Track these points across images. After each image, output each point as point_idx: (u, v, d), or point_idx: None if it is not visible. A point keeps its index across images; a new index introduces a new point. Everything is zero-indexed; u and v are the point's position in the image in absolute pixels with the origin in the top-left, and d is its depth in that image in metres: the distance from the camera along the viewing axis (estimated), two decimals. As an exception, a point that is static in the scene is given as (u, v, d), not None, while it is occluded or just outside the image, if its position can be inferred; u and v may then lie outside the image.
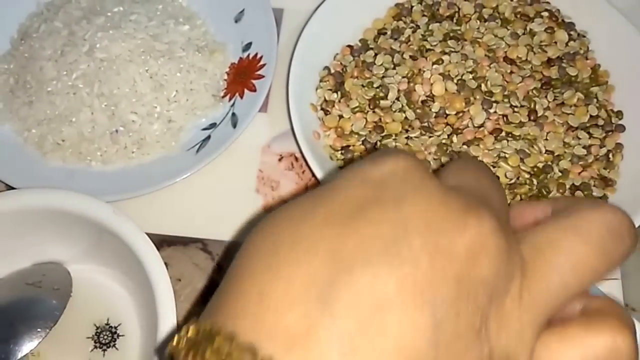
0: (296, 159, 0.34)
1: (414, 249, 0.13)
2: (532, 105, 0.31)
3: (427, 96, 0.31)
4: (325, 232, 0.13)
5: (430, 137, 0.30)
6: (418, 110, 0.31)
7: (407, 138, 0.31)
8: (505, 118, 0.30)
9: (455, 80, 0.31)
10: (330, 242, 0.13)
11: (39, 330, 0.27)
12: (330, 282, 0.13)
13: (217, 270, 0.32)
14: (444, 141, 0.30)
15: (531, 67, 0.32)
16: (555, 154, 0.31)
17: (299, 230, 0.14)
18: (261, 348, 0.12)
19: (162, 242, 0.32)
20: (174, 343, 0.13)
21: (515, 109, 0.31)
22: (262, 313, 0.13)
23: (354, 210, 0.14)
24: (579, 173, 0.30)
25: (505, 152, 0.30)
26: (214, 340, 0.13)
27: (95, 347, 0.29)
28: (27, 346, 0.27)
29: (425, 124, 0.31)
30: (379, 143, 0.31)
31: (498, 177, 0.26)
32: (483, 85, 0.31)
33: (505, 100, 0.31)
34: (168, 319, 0.24)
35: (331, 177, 0.16)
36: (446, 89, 0.31)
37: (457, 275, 0.13)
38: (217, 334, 0.13)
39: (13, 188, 0.31)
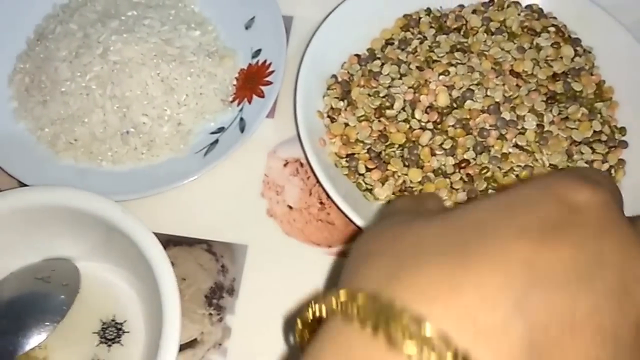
0: (301, 164, 0.35)
1: (608, 283, 0.13)
2: (539, 119, 0.31)
3: (429, 106, 0.32)
4: (521, 243, 0.14)
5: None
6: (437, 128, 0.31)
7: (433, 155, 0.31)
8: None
9: (460, 92, 0.32)
10: (526, 255, 0.13)
11: (47, 324, 0.28)
12: (525, 293, 0.13)
13: (222, 271, 0.32)
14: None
15: (537, 81, 0.32)
16: (559, 167, 0.31)
17: (494, 235, 0.14)
18: (452, 334, 0.12)
19: (168, 242, 0.33)
20: (333, 301, 0.14)
21: (523, 124, 0.31)
22: (455, 304, 0.13)
23: (551, 228, 0.14)
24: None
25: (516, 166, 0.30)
26: (396, 315, 0.13)
27: (101, 342, 0.30)
28: (35, 339, 0.28)
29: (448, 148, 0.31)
30: (382, 153, 0.32)
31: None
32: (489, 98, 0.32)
33: (512, 112, 0.31)
34: (173, 318, 0.25)
35: (520, 188, 0.16)
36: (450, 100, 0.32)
37: (636, 325, 0.14)
38: (404, 311, 0.13)
39: (26, 185, 0.32)
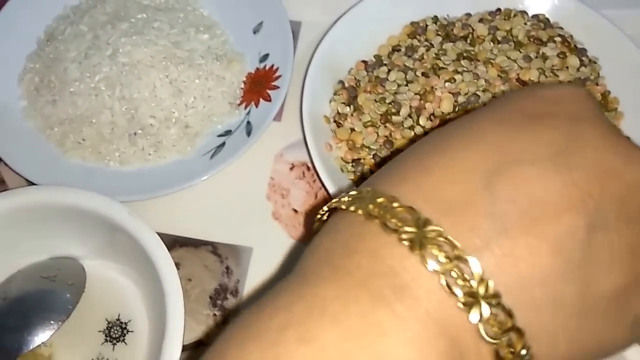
0: (307, 168, 0.35)
1: (586, 160, 0.14)
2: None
3: (433, 113, 0.32)
4: (498, 130, 0.14)
5: None
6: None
7: None
8: None
9: (465, 98, 0.32)
10: (502, 138, 0.14)
11: (52, 322, 0.28)
12: (495, 170, 0.13)
13: (226, 273, 0.33)
14: None
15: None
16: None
17: (471, 124, 0.15)
18: (420, 210, 0.13)
19: (174, 243, 0.33)
20: (337, 199, 0.15)
21: None
22: (423, 183, 0.14)
23: (528, 116, 0.14)
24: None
25: None
26: (376, 199, 0.14)
27: (106, 340, 0.30)
28: (41, 337, 0.28)
29: None
30: (388, 158, 0.32)
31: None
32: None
33: None
34: (176, 318, 0.25)
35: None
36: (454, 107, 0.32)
37: (621, 198, 0.14)
38: (380, 196, 0.14)
39: (33, 183, 0.33)
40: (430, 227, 0.13)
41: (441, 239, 0.13)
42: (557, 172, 0.13)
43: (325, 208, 0.16)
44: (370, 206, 0.14)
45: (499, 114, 0.15)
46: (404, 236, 0.13)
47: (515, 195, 0.13)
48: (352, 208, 0.14)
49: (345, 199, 0.15)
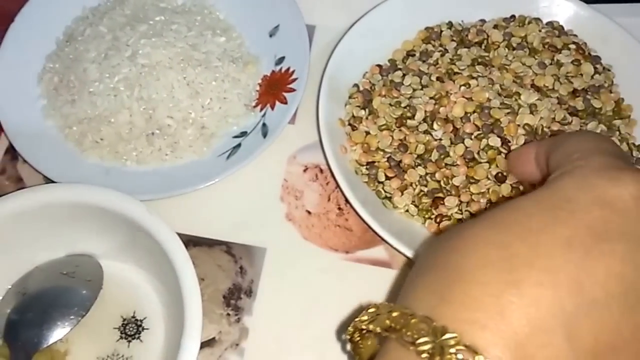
0: (321, 170, 0.35)
1: None
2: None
3: (445, 118, 0.32)
4: (568, 258, 0.13)
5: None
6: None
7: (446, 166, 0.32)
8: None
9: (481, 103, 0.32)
10: (574, 271, 0.13)
11: (71, 317, 0.29)
12: (574, 315, 0.13)
13: (240, 273, 0.33)
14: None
15: (557, 97, 0.33)
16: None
17: (537, 247, 0.14)
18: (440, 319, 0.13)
19: (188, 242, 0.33)
20: (358, 318, 0.14)
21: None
22: (505, 332, 0.13)
23: (597, 237, 0.14)
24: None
25: None
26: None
27: (121, 337, 0.31)
28: (59, 332, 0.28)
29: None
30: (402, 162, 0.32)
31: None
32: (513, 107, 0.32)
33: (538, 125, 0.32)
34: (195, 316, 0.26)
35: (549, 183, 0.15)
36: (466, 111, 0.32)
37: None
38: (395, 310, 0.13)
39: (51, 181, 0.33)
40: (448, 335, 0.13)
41: (460, 346, 0.13)
42: (631, 315, 0.13)
43: (350, 329, 0.15)
44: (387, 321, 0.14)
45: (566, 229, 0.14)
46: (423, 347, 0.13)
47: (594, 345, 0.13)
48: (371, 327, 0.14)
49: (365, 317, 0.14)
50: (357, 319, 0.15)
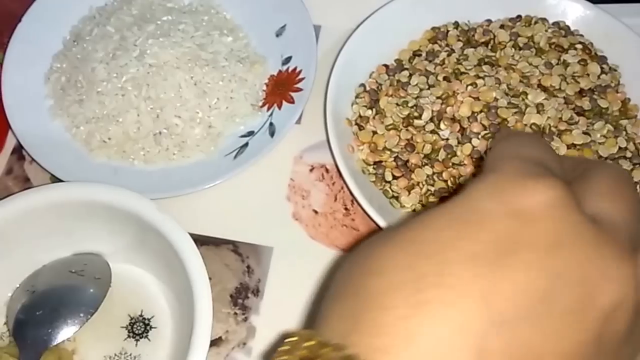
0: (327, 170, 0.36)
1: (567, 304, 0.13)
2: (569, 133, 0.32)
3: (452, 117, 0.32)
4: (475, 275, 0.13)
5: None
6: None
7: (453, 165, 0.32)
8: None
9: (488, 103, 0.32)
10: (481, 288, 0.13)
11: (81, 315, 0.29)
12: (484, 335, 0.12)
13: (247, 272, 0.33)
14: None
15: (564, 97, 0.33)
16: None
17: (444, 264, 0.13)
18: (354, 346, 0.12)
19: (195, 241, 0.33)
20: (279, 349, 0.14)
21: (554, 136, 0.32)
22: (412, 357, 0.12)
23: (504, 250, 0.13)
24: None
25: None
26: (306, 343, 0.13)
27: (129, 336, 0.31)
28: (69, 330, 0.28)
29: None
30: (409, 162, 0.32)
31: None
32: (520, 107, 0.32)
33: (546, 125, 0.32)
34: (205, 316, 0.26)
35: (465, 189, 0.15)
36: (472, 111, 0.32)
37: (599, 333, 0.13)
38: (310, 339, 0.13)
39: (60, 181, 0.33)
40: None
41: None
42: (546, 326, 0.13)
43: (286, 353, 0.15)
44: (304, 351, 0.13)
45: (474, 244, 0.13)
46: None
47: (504, 355, 0.13)
48: (288, 357, 0.13)
49: (285, 347, 0.14)
50: (279, 349, 0.14)
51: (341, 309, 0.14)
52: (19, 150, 0.37)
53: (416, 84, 0.34)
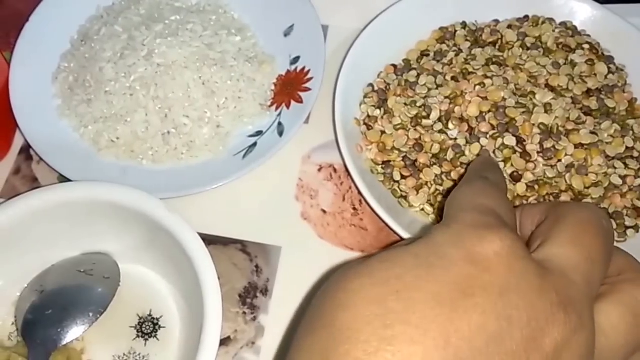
0: (335, 170, 0.36)
1: (515, 343, 0.14)
2: (577, 132, 0.32)
3: (461, 117, 0.33)
4: (438, 312, 0.14)
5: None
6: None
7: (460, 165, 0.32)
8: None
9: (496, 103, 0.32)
10: (443, 326, 0.14)
11: (90, 314, 0.29)
12: None
13: (256, 272, 0.33)
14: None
15: (572, 96, 0.33)
16: (596, 180, 0.31)
17: (410, 302, 0.15)
18: None
19: (203, 241, 0.33)
20: None
21: (561, 137, 0.32)
22: None
23: (463, 293, 0.15)
24: (614, 201, 0.31)
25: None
26: None
27: (138, 336, 0.31)
28: (78, 330, 0.28)
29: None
30: (417, 161, 0.32)
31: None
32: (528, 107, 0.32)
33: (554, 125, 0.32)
34: (215, 316, 0.25)
35: (431, 234, 0.17)
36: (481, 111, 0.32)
37: None
38: None
39: (68, 180, 0.33)
40: None
41: None
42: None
43: None
44: None
45: (436, 285, 0.15)
46: None
47: None
48: None
49: None
50: None
51: (312, 342, 0.15)
52: (26, 150, 0.37)
53: (424, 84, 0.34)
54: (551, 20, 0.36)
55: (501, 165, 0.31)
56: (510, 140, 0.31)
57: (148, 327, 0.31)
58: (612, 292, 0.17)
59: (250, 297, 0.32)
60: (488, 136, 0.32)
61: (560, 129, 0.32)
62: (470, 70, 0.34)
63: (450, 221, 0.17)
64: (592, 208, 0.19)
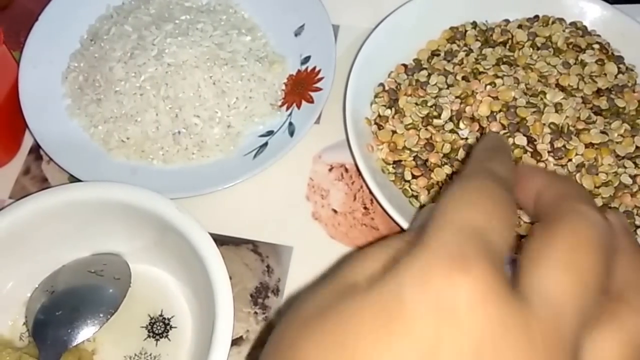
0: (346, 169, 0.36)
1: None
2: (587, 132, 0.32)
3: (472, 117, 0.33)
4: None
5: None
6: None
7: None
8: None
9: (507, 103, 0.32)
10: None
11: (100, 315, 0.28)
12: None
13: (267, 272, 0.33)
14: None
15: (582, 96, 0.33)
16: (607, 179, 0.31)
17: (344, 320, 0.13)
18: None
19: (214, 241, 0.33)
20: None
21: (572, 136, 0.32)
22: None
23: (427, 355, 0.12)
24: (624, 201, 0.31)
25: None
26: None
27: (149, 336, 0.30)
28: (89, 330, 0.28)
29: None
30: (428, 161, 0.32)
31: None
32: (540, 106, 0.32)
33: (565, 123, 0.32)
34: (226, 315, 0.25)
35: (399, 263, 0.14)
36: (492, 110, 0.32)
37: None
38: None
39: (78, 181, 0.33)
40: None
41: None
42: None
43: None
44: None
45: (395, 346, 0.13)
46: None
47: None
48: None
49: None
50: None
51: None
52: (36, 150, 0.37)
53: (435, 84, 0.34)
54: (561, 20, 0.36)
55: None
56: (521, 140, 0.31)
57: (159, 328, 0.31)
58: (609, 319, 0.14)
59: (261, 297, 0.32)
60: (499, 136, 0.32)
61: (571, 128, 0.32)
62: (481, 69, 0.34)
63: (424, 244, 0.14)
64: (592, 216, 0.15)
